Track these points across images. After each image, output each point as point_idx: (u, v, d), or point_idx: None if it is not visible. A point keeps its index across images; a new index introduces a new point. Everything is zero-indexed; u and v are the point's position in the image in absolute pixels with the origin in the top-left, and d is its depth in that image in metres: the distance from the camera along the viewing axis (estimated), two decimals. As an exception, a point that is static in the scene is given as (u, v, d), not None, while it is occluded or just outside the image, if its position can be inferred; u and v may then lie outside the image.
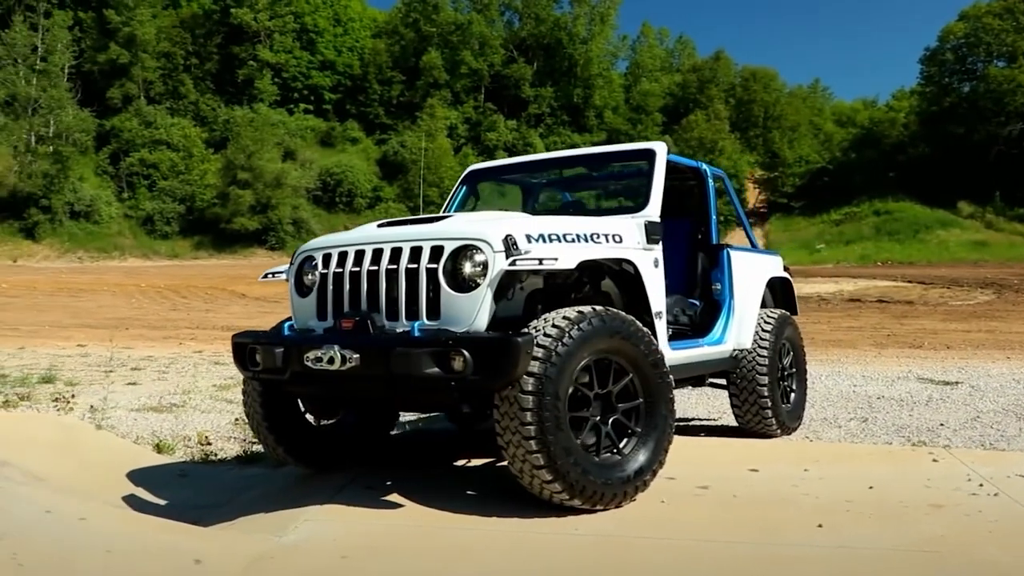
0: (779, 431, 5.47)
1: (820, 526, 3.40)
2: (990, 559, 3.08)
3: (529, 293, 4.05)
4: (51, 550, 2.79)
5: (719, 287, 5.31)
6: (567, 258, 3.59)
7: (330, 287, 3.95)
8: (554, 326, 3.49)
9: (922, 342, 12.78)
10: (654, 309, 4.29)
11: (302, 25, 67.73)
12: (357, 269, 3.84)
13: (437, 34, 68.26)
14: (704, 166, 5.50)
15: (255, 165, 54.91)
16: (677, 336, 5.05)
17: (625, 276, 4.24)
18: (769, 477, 4.19)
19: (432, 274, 3.63)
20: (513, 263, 3.49)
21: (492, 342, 3.36)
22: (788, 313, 5.87)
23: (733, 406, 5.47)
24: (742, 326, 5.33)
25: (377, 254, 3.80)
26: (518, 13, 72.36)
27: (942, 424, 6.22)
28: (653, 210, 4.56)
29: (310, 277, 4.11)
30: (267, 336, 4.01)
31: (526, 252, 3.54)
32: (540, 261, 3.49)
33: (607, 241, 4.09)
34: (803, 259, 48.77)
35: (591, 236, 4.00)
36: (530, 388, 3.36)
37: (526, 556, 3.12)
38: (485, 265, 3.56)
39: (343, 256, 3.94)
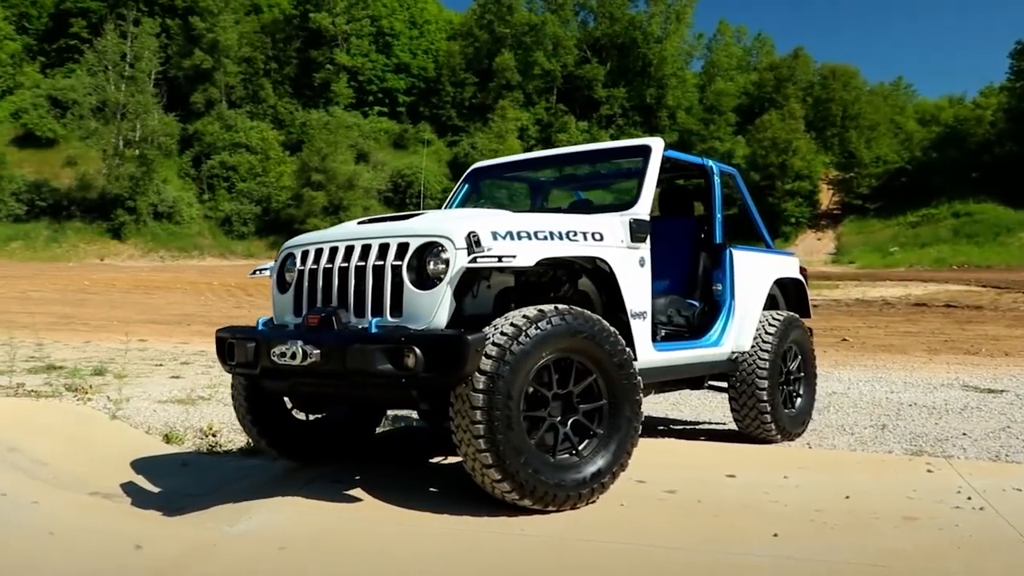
0: (779, 436, 5.32)
1: (775, 535, 3.30)
2: (939, 573, 2.95)
3: (501, 291, 4.03)
4: (-7, 531, 2.91)
5: (720, 288, 5.19)
6: (525, 256, 3.56)
7: (305, 283, 4.02)
8: (512, 325, 3.47)
9: (979, 348, 12.28)
10: (633, 308, 4.22)
11: (379, 28, 68.83)
12: (330, 266, 3.89)
13: (511, 35, 68.51)
14: (710, 163, 5.38)
15: (328, 167, 56.05)
16: (672, 337, 4.97)
17: (602, 275, 4.18)
18: (743, 483, 4.08)
19: (396, 271, 3.64)
20: (474, 260, 3.48)
21: (442, 340, 3.36)
22: (796, 316, 5.69)
23: (732, 410, 5.35)
24: (742, 328, 5.21)
25: (349, 251, 3.84)
26: (593, 12, 72.12)
27: (964, 433, 5.96)
28: (642, 208, 4.48)
29: (290, 274, 4.17)
30: (242, 331, 4.09)
31: (488, 249, 3.52)
32: (499, 259, 3.47)
33: (585, 239, 4.03)
34: (875, 262, 47.37)
35: (567, 234, 3.95)
36: (481, 386, 3.35)
37: (462, 554, 3.11)
38: (448, 262, 3.56)
39: (319, 253, 3.99)
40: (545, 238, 3.82)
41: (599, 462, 3.66)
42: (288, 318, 4.10)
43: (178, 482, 4.81)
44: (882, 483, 4.12)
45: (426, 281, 3.59)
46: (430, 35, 72.02)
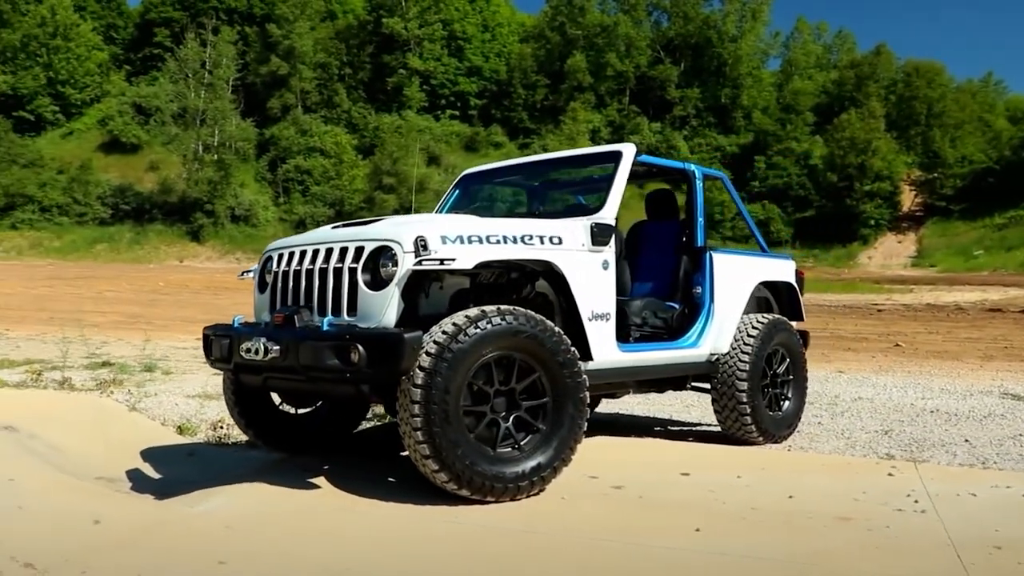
0: (761, 438, 5.34)
1: (697, 530, 3.39)
2: (848, 571, 3.00)
3: (457, 292, 4.20)
4: (-38, 505, 3.23)
5: (699, 290, 5.26)
6: (465, 259, 3.72)
7: (279, 284, 4.28)
8: (453, 324, 3.64)
9: (1038, 355, 11.91)
10: (594, 309, 4.34)
11: (450, 32, 69.68)
12: (299, 268, 4.14)
13: (582, 36, 68.56)
14: (692, 167, 5.45)
15: (400, 170, 57.05)
16: (649, 338, 5.07)
17: (558, 277, 4.29)
18: (695, 482, 4.16)
19: (352, 273, 3.86)
20: (419, 263, 3.67)
21: (381, 337, 3.57)
22: (783, 319, 5.69)
23: (715, 411, 5.40)
24: (722, 330, 5.26)
25: (315, 254, 4.08)
26: (666, 12, 71.64)
27: (967, 440, 5.87)
28: (608, 212, 4.59)
29: (270, 275, 4.43)
30: (221, 329, 4.37)
31: (434, 253, 3.70)
32: (441, 261, 3.66)
33: (542, 243, 4.16)
34: (957, 266, 45.83)
35: (522, 238, 4.09)
36: (419, 382, 3.54)
37: (389, 538, 3.30)
38: (397, 265, 3.75)
39: (291, 256, 4.25)
40: (498, 242, 3.96)
41: (540, 457, 3.80)
42: (264, 316, 4.37)
43: (182, 471, 5.09)
44: (835, 485, 4.15)
45: (379, 283, 3.79)
46: (502, 38, 72.59)
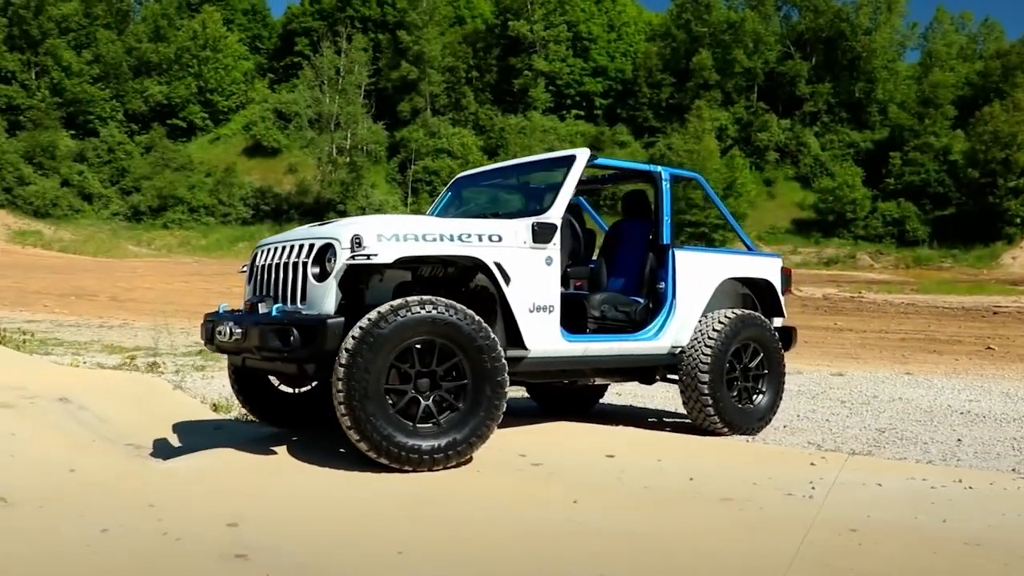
0: (726, 430, 5.52)
1: (575, 502, 3.71)
2: (681, 542, 3.27)
3: (400, 284, 4.66)
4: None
5: (663, 285, 5.52)
6: (385, 255, 4.19)
7: (257, 276, 4.88)
8: (377, 312, 4.11)
9: None
10: (531, 302, 4.71)
11: (576, 33, 70.10)
12: (271, 262, 4.72)
13: (708, 34, 67.59)
14: (658, 168, 5.71)
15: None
16: (609, 331, 5.37)
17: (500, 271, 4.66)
18: (612, 463, 4.45)
19: (304, 267, 4.40)
20: (352, 258, 4.18)
21: (310, 322, 4.09)
22: (755, 314, 5.83)
23: (683, 403, 5.62)
24: (684, 324, 5.49)
25: (283, 250, 4.65)
26: (796, 7, 69.67)
27: (959, 440, 5.85)
28: (554, 213, 4.94)
29: (256, 269, 5.04)
30: (209, 315, 5.00)
31: (366, 249, 4.19)
32: (368, 257, 4.14)
33: (480, 240, 4.57)
34: (1109, 267, 42.57)
35: (459, 236, 4.51)
36: (343, 362, 4.03)
37: (291, 495, 3.80)
38: (337, 259, 4.26)
39: (267, 251, 4.84)
40: (434, 240, 4.40)
41: (455, 433, 4.20)
42: None
43: (204, 441, 5.72)
44: (744, 471, 4.35)
45: (324, 275, 4.31)
46: (628, 37, 72.41)
